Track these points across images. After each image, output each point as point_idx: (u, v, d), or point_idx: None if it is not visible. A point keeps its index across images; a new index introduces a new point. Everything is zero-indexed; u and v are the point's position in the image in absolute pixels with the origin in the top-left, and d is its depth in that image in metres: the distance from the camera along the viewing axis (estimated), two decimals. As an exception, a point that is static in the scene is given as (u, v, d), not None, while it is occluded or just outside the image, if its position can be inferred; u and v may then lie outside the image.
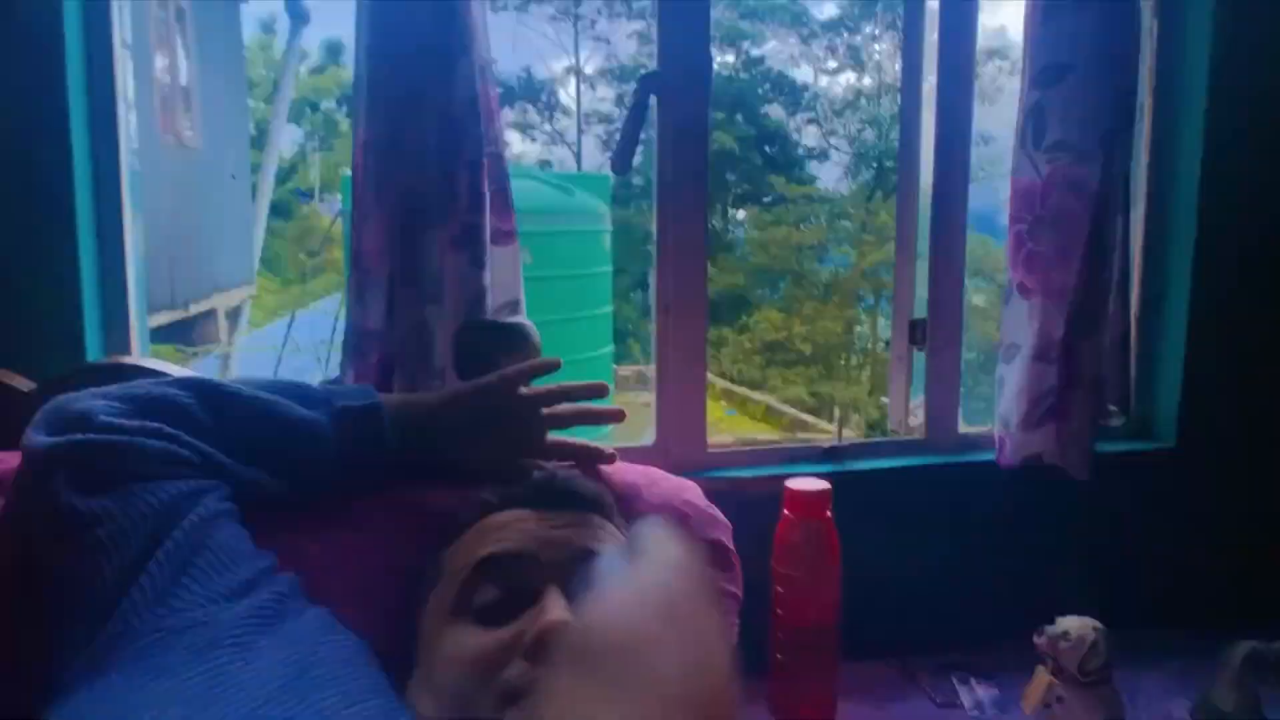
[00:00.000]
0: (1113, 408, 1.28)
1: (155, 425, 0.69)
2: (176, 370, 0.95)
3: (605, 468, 0.97)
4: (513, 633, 0.62)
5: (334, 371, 1.13)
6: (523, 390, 0.87)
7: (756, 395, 5.16)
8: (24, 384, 0.91)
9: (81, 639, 0.59)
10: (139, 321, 1.15)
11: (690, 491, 0.99)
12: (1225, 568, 1.47)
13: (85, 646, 0.58)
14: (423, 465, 0.86)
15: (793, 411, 4.67)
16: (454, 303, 1.03)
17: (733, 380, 5.42)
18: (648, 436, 1.31)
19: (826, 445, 1.34)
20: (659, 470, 1.02)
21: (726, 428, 4.86)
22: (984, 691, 1.22)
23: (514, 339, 0.97)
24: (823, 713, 1.15)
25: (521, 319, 1.02)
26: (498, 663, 0.61)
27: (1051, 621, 1.11)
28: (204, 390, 0.75)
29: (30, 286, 1.04)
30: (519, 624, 0.63)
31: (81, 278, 1.06)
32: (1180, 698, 1.20)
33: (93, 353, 1.08)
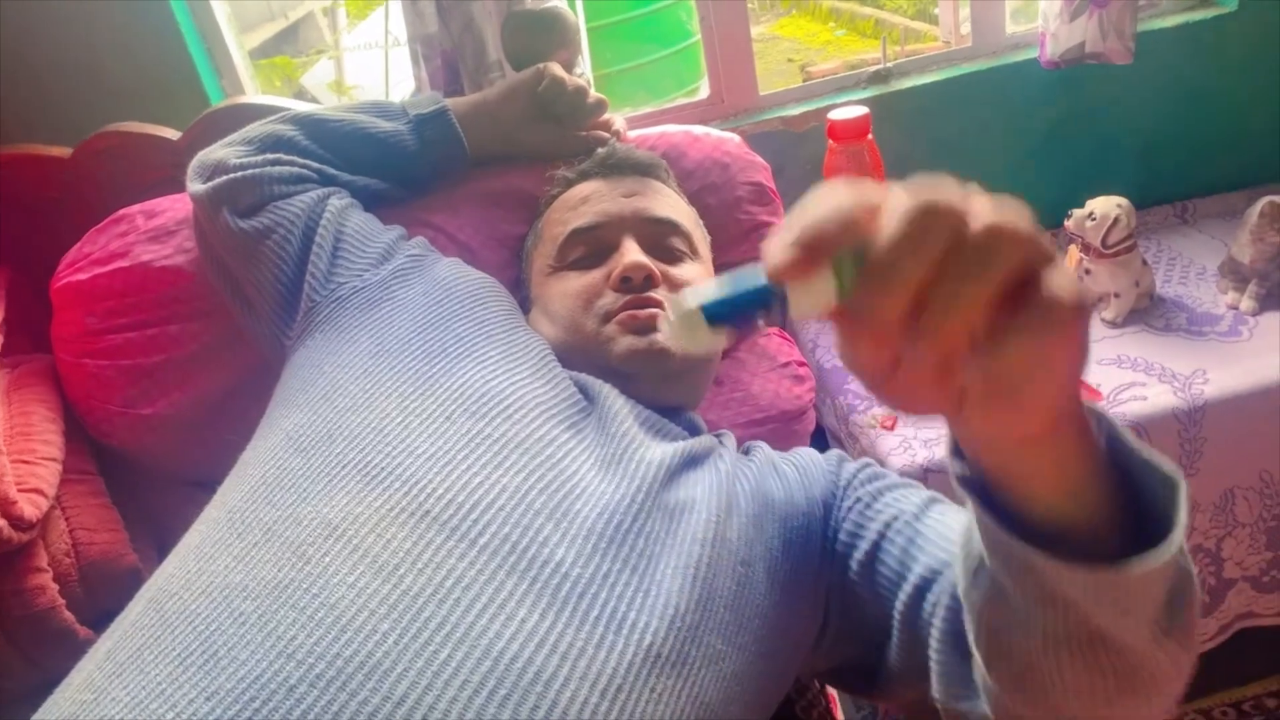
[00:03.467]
0: (1163, -17, 1.26)
1: (274, 156, 0.88)
2: (282, 102, 1.13)
3: (654, 133, 1.12)
4: (603, 273, 0.82)
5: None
6: (560, 76, 0.99)
7: (866, 10, 4.87)
8: (171, 134, 1.12)
9: (287, 319, 0.82)
10: (240, 55, 1.31)
11: (729, 143, 1.12)
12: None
13: (292, 322, 0.81)
14: (499, 155, 1.02)
15: (904, 21, 4.42)
16: (495, -4, 1.13)
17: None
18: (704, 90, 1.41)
19: (871, 70, 1.40)
20: (702, 127, 1.15)
21: (834, 51, 4.67)
22: (1029, 274, 1.37)
23: (550, 24, 1.07)
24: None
25: (556, 4, 1.11)
26: (595, 294, 0.81)
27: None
28: (303, 121, 0.92)
29: (143, 46, 1.20)
30: (606, 267, 0.82)
31: (180, 25, 1.21)
32: (1216, 257, 1.31)
33: (214, 96, 1.26)
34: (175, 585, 0.58)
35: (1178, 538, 0.40)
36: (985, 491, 0.42)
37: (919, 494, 0.69)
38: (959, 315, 0.32)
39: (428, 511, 0.57)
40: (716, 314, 0.36)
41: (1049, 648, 0.45)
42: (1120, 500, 0.42)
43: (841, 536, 0.69)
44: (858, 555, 0.67)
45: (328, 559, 0.55)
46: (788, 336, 1.14)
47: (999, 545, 0.43)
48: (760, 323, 0.37)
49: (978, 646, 0.50)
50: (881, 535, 0.66)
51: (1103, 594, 0.41)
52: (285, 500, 0.60)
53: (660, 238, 0.85)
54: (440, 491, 0.59)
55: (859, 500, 0.70)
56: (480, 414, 0.66)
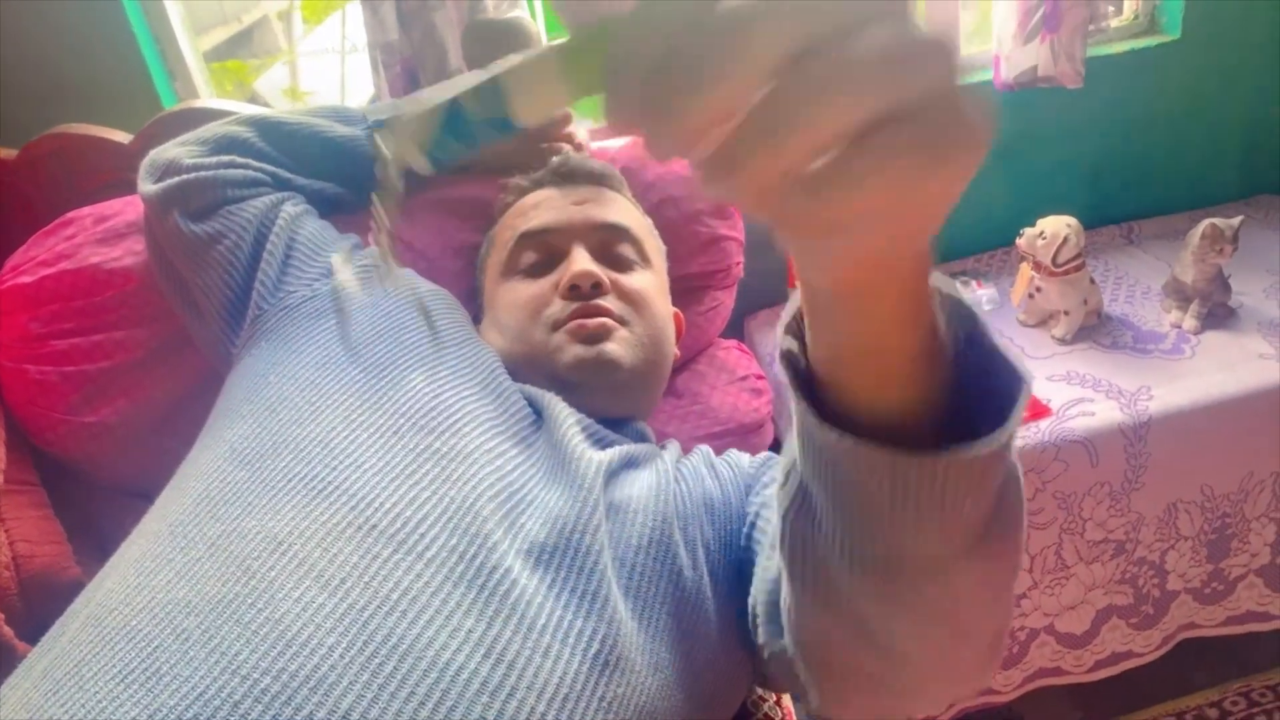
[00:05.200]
0: (1110, 7, 1.30)
1: (229, 158, 0.87)
2: (237, 106, 1.11)
3: (616, 145, 1.12)
4: (552, 281, 0.82)
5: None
6: None
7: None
8: (123, 137, 1.09)
9: (234, 326, 0.80)
10: (194, 58, 1.29)
11: (690, 156, 1.12)
12: (1222, 154, 1.53)
13: (239, 330, 0.80)
14: (458, 165, 1.02)
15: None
16: (456, 2, 1.13)
17: None
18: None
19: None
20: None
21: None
22: (982, 291, 1.39)
23: (511, 34, 1.07)
24: (839, 324, 1.36)
25: (518, 14, 1.11)
26: (543, 303, 0.80)
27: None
28: (260, 123, 0.91)
29: (94, 46, 1.17)
30: (555, 275, 0.82)
31: (133, 26, 1.19)
32: (1160, 276, 1.34)
33: (167, 99, 1.24)
34: (114, 600, 0.56)
35: (1004, 434, 0.36)
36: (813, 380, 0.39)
37: None
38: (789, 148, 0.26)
39: (374, 526, 0.57)
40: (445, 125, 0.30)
41: (847, 564, 0.43)
42: (958, 401, 0.39)
43: (751, 526, 0.69)
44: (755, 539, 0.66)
45: (273, 573, 0.54)
46: (746, 350, 1.15)
47: (807, 433, 0.40)
48: (484, 133, 0.31)
49: (782, 555, 0.48)
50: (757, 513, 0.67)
51: (907, 490, 0.37)
52: (229, 514, 0.59)
53: (610, 244, 0.85)
54: (387, 506, 0.58)
55: (766, 487, 0.70)
56: (428, 428, 0.65)
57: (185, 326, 0.90)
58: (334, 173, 0.94)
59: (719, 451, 0.88)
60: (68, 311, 0.92)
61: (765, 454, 0.78)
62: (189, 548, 0.57)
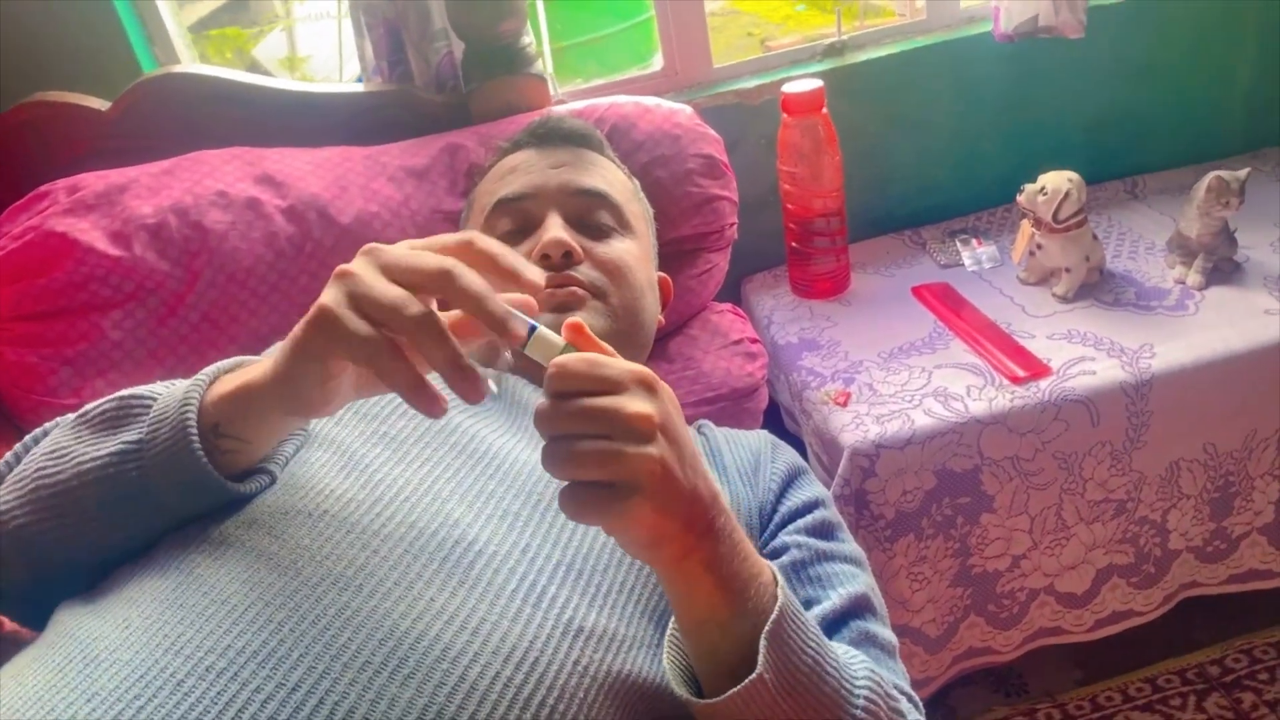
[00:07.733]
0: (1115, -44, 1.26)
1: None
2: (218, 72, 1.09)
3: (604, 103, 1.09)
4: (525, 250, 0.79)
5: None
6: None
7: (825, -17, 4.86)
8: (100, 104, 1.07)
9: None
10: (174, 23, 1.26)
11: (681, 114, 1.10)
12: (1228, 105, 1.50)
13: None
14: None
15: (863, -5, 4.41)
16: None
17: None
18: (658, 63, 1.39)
19: (826, 43, 1.38)
20: (654, 99, 1.13)
21: (795, 25, 4.64)
22: (982, 249, 1.37)
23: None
24: (837, 286, 1.34)
25: (503, -29, 1.08)
26: None
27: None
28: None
29: (69, 10, 1.14)
30: (529, 243, 0.80)
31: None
32: (1165, 232, 1.32)
33: (146, 64, 1.21)
34: (60, 612, 0.57)
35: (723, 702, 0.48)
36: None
37: (846, 594, 0.65)
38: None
39: (325, 511, 0.56)
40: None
41: None
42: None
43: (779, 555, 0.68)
44: None
45: (219, 563, 0.54)
46: (741, 313, 1.13)
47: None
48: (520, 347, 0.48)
49: None
50: None
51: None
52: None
53: (587, 211, 0.83)
54: (339, 493, 0.58)
55: (799, 548, 0.68)
56: (373, 414, 0.64)
57: (159, 309, 0.89)
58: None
59: (715, 419, 0.86)
60: (36, 290, 0.90)
61: (787, 463, 0.76)
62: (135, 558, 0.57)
